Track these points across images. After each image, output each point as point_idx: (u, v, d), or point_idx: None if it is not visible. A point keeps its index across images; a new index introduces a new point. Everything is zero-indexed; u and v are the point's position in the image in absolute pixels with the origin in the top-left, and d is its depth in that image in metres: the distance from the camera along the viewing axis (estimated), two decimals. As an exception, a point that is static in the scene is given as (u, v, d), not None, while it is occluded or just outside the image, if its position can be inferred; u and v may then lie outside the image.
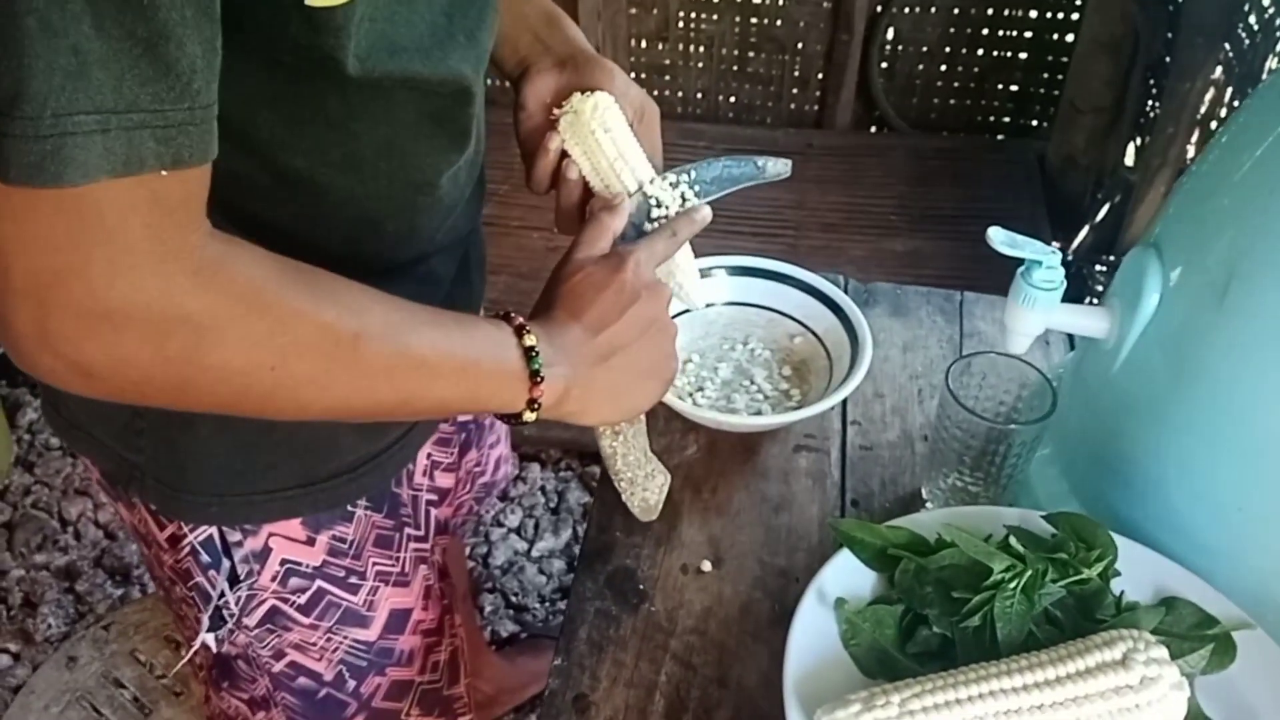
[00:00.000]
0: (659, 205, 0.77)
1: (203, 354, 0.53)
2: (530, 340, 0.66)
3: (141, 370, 0.53)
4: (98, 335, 0.50)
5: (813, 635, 0.72)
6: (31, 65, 0.43)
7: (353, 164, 0.66)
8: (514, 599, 1.85)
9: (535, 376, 0.66)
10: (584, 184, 0.78)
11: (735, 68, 2.69)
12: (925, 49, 2.55)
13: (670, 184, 0.78)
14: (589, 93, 0.76)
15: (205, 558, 0.79)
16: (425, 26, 0.63)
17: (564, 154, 0.78)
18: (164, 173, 0.48)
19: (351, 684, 0.89)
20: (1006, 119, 2.63)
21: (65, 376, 0.52)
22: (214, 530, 0.78)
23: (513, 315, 0.67)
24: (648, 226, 0.77)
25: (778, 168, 0.84)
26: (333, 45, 0.56)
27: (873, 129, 2.70)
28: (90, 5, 0.44)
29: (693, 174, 0.79)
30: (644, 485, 0.86)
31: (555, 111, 0.77)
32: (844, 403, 1.01)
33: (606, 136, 0.75)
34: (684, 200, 0.78)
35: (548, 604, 1.85)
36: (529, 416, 0.68)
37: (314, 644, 0.85)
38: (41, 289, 0.49)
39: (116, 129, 0.46)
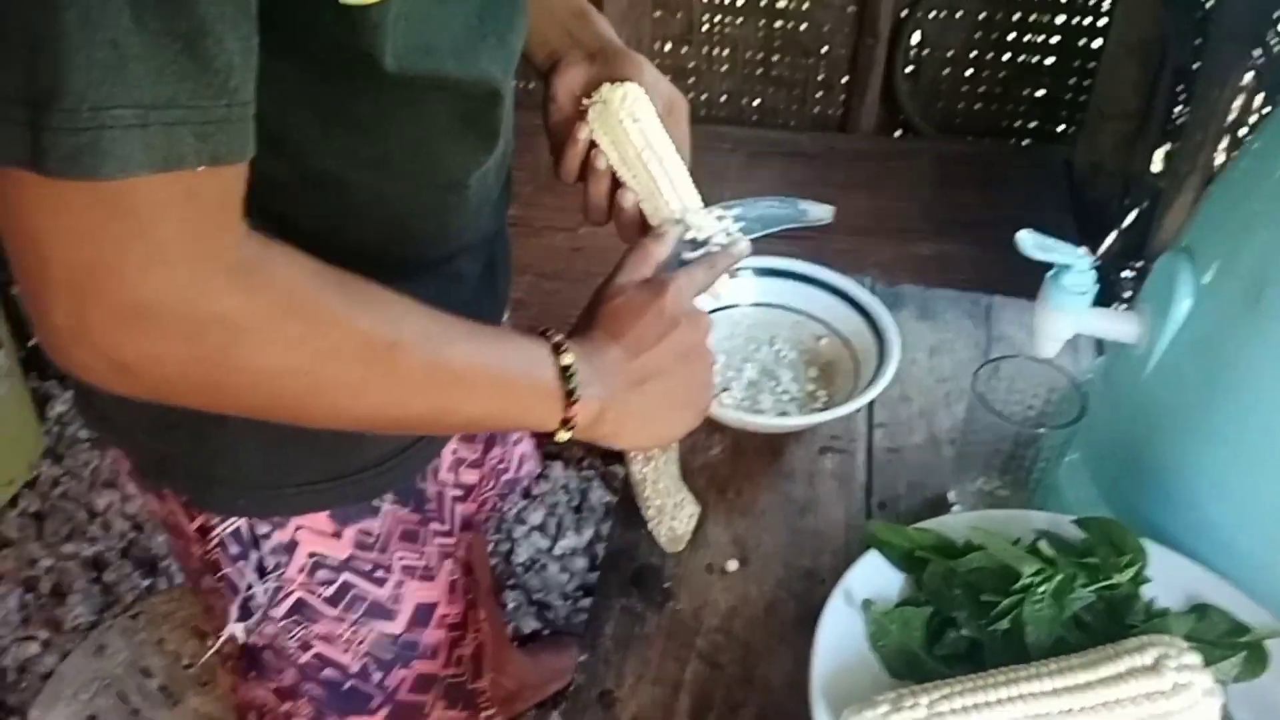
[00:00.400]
0: (701, 236, 0.77)
1: (235, 355, 0.53)
2: (567, 359, 0.65)
3: (174, 368, 0.53)
4: (132, 331, 0.51)
5: (839, 636, 0.72)
6: (70, 58, 0.44)
7: (383, 165, 0.66)
8: (536, 596, 1.85)
9: (571, 396, 0.65)
10: (612, 174, 0.78)
11: (759, 71, 2.69)
12: (951, 53, 2.55)
13: (716, 217, 0.78)
14: (618, 83, 0.77)
15: (234, 549, 0.80)
16: (459, 27, 0.63)
17: (593, 144, 0.78)
18: (201, 170, 0.48)
19: (377, 676, 0.89)
20: (1033, 124, 2.62)
21: (100, 372, 0.53)
22: (243, 522, 0.79)
23: (550, 332, 0.67)
24: (688, 256, 0.77)
25: (820, 213, 0.85)
26: (368, 44, 0.57)
27: (897, 133, 2.69)
28: (136, 2, 0.44)
29: (737, 210, 0.80)
30: (672, 514, 0.86)
31: (584, 102, 0.78)
32: (870, 405, 1.01)
33: (635, 126, 0.75)
34: (727, 234, 0.78)
35: (570, 601, 1.85)
36: (562, 436, 0.67)
37: (340, 636, 0.86)
38: (77, 282, 0.49)
39: (155, 124, 0.46)
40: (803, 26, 2.60)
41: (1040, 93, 2.57)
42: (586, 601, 1.84)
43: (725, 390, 1.00)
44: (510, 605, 1.83)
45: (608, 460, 2.01)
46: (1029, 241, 0.79)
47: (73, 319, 0.50)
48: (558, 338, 0.66)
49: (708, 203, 0.79)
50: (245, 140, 0.50)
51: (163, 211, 0.48)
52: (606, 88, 0.76)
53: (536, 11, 0.78)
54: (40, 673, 1.71)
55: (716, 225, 0.78)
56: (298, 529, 0.80)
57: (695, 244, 0.77)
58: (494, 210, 0.82)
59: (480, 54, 0.66)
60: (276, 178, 0.62)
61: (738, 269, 1.04)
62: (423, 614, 0.90)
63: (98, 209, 0.47)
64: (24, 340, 2.01)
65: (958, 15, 2.49)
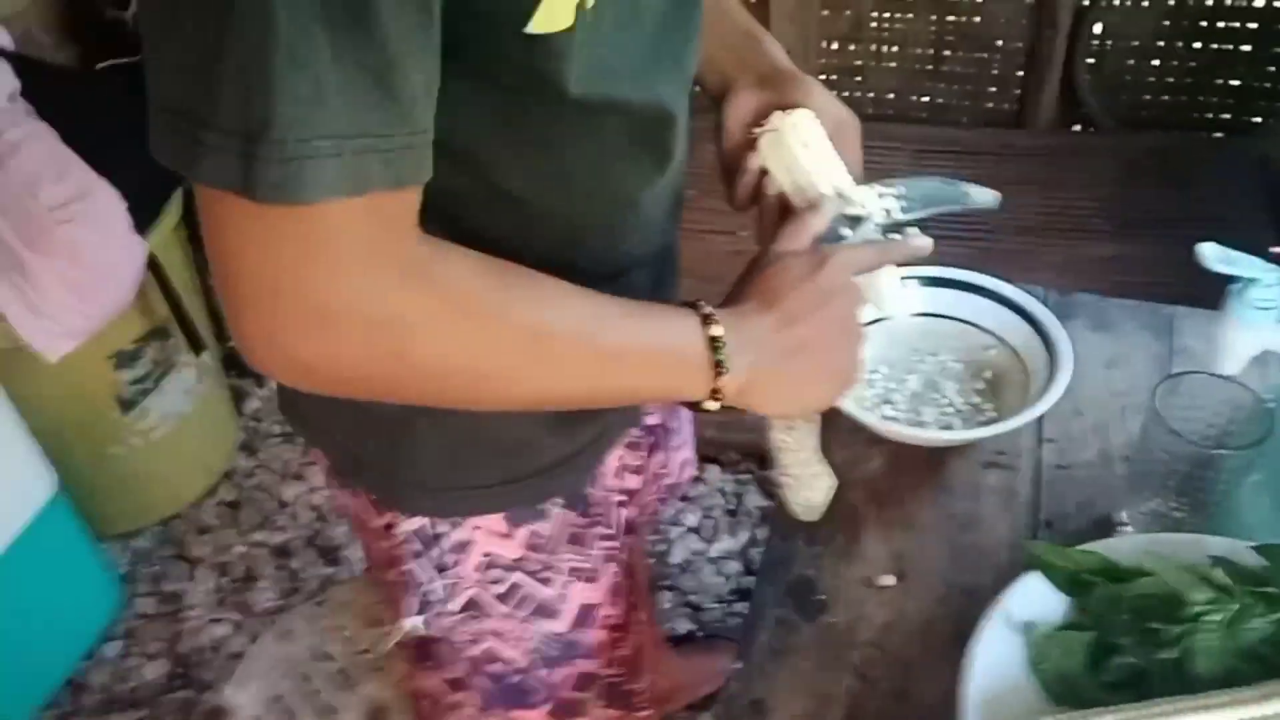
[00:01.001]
0: (861, 212, 0.77)
1: (407, 352, 0.58)
2: (716, 330, 0.67)
3: (354, 367, 0.58)
4: (316, 336, 0.56)
5: (997, 656, 0.71)
6: (279, 94, 0.48)
7: (561, 183, 0.69)
8: (690, 598, 1.88)
9: (719, 366, 0.67)
10: (784, 201, 0.79)
11: (930, 67, 2.62)
12: (1137, 43, 2.42)
13: (877, 194, 0.78)
14: (789, 110, 0.77)
15: (416, 546, 0.85)
16: (636, 52, 0.66)
17: (764, 171, 0.79)
18: (382, 192, 0.53)
19: (541, 672, 0.93)
20: (1226, 115, 2.46)
21: (288, 373, 0.59)
22: (425, 521, 0.84)
23: (700, 303, 0.69)
24: (846, 231, 0.77)
25: (983, 197, 0.83)
26: (552, 70, 0.60)
27: (1076, 128, 2.58)
28: (330, 38, 0.48)
29: (900, 188, 0.79)
30: (809, 484, 0.86)
31: (755, 130, 0.79)
32: (1039, 419, 0.98)
33: (806, 153, 0.76)
34: (887, 212, 0.78)
35: (723, 605, 1.87)
36: (711, 405, 0.70)
37: (509, 633, 0.90)
38: (268, 295, 0.54)
39: (348, 153, 0.50)
40: (977, 19, 2.52)
41: (1235, 82, 2.41)
42: (740, 605, 1.85)
43: (887, 402, 0.99)
44: (664, 606, 1.86)
45: (765, 465, 2.02)
46: (1212, 254, 0.76)
47: (262, 325, 0.56)
48: (707, 309, 0.69)
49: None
50: (424, 164, 0.55)
51: (347, 228, 0.53)
52: (777, 115, 0.77)
53: (707, 36, 0.79)
54: (229, 652, 1.85)
55: (876, 202, 0.78)
56: (474, 529, 0.84)
57: (854, 220, 0.77)
58: (666, 225, 0.83)
59: (656, 77, 0.69)
60: (463, 193, 0.66)
61: (902, 278, 1.04)
62: (586, 615, 0.93)
63: (292, 229, 0.52)
64: (224, 340, 2.17)
65: (1144, 3, 2.36)
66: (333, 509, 2.07)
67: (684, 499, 2.02)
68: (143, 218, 1.77)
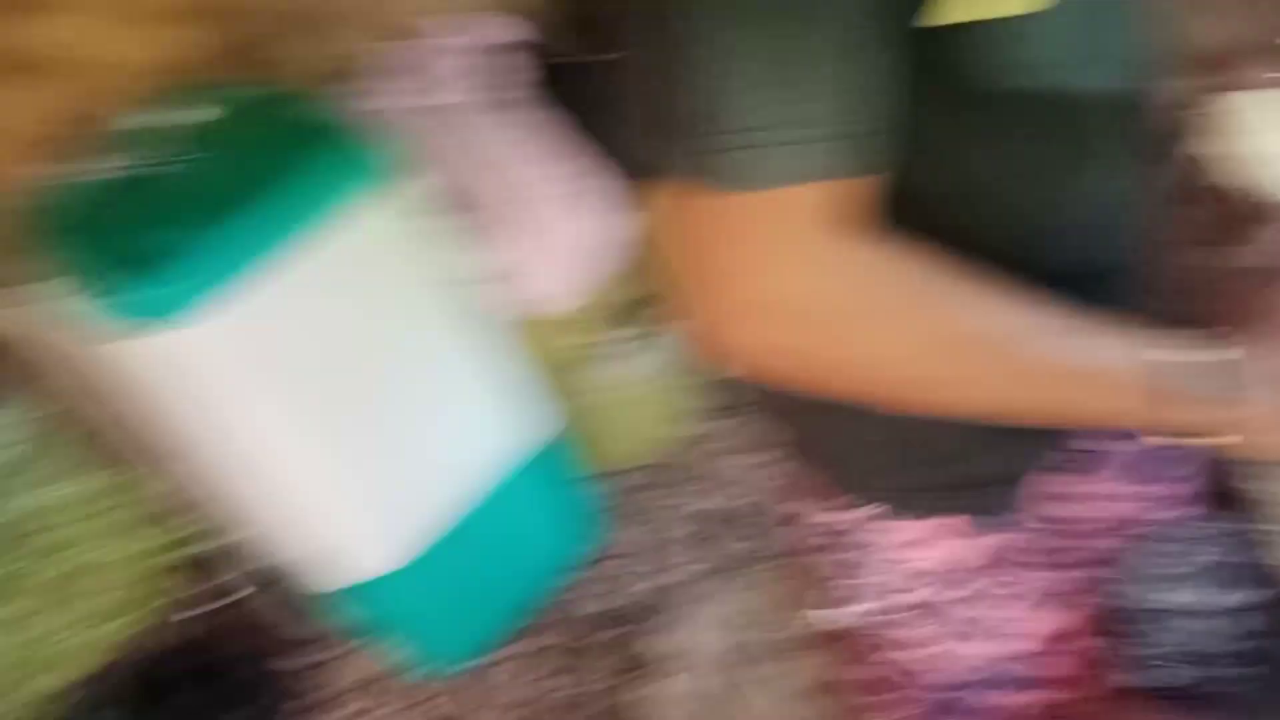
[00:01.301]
0: None
1: (839, 347, 0.59)
2: (1186, 356, 0.61)
3: (784, 357, 0.59)
4: (754, 323, 0.57)
5: None
6: (733, 88, 0.52)
7: (986, 183, 0.66)
8: (1160, 650, 1.67)
9: (1189, 396, 0.60)
10: (1234, 190, 0.72)
11: None
12: None
13: None
14: (1229, 93, 0.72)
15: (858, 537, 0.84)
16: (1067, 42, 0.62)
17: (1216, 156, 0.73)
18: (831, 182, 0.54)
19: (971, 696, 0.88)
20: None
21: (727, 358, 0.61)
22: (871, 513, 0.82)
23: (1174, 323, 0.63)
24: None
25: None
26: (968, 62, 0.58)
27: None
28: (783, 36, 0.51)
29: None
30: None
31: (1193, 115, 0.73)
32: None
33: (1252, 136, 0.70)
34: None
35: (1202, 666, 1.64)
36: (1182, 440, 0.63)
37: (941, 644, 0.86)
38: (714, 282, 0.57)
39: (796, 142, 0.53)
40: None
41: None
42: (1219, 669, 1.61)
43: None
44: (1128, 656, 1.68)
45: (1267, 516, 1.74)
46: None
47: (711, 312, 0.58)
48: (1178, 332, 0.62)
49: None
50: (873, 157, 0.55)
51: (795, 219, 0.55)
52: (1219, 99, 0.73)
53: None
54: (669, 602, 1.92)
55: None
56: (918, 532, 0.81)
57: None
58: (1132, 231, 0.76)
59: (1092, 67, 0.64)
60: (909, 191, 0.63)
61: None
62: (1034, 644, 0.87)
63: (743, 217, 0.55)
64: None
65: None
66: (780, 486, 2.11)
67: (1167, 541, 1.80)
68: (636, 198, 1.94)
